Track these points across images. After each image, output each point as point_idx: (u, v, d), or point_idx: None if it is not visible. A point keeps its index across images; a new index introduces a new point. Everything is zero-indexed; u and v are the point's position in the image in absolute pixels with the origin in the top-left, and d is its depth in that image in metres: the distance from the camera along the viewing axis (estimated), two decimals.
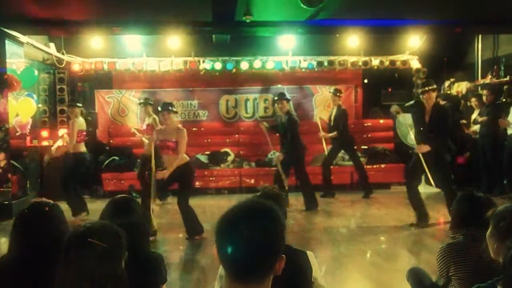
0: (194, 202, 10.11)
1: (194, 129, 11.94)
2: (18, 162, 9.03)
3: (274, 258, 1.59)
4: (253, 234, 1.54)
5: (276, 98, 9.32)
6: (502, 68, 10.58)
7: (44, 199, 2.87)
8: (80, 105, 8.72)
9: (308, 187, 9.06)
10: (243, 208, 1.64)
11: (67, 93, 11.19)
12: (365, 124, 12.33)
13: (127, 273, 2.29)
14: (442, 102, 10.81)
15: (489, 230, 2.70)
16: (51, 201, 2.84)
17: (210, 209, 9.53)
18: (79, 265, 2.15)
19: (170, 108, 7.03)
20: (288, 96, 9.31)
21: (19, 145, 9.20)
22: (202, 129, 12.03)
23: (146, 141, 8.19)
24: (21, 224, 2.74)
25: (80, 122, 8.41)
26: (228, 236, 1.57)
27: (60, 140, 9.06)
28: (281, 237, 1.61)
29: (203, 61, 11.38)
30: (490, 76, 10.89)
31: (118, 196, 3.21)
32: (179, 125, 7.20)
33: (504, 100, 10.30)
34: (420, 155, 7.32)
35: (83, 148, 8.42)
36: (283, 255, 1.61)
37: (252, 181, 10.79)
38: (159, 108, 7.34)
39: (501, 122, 9.61)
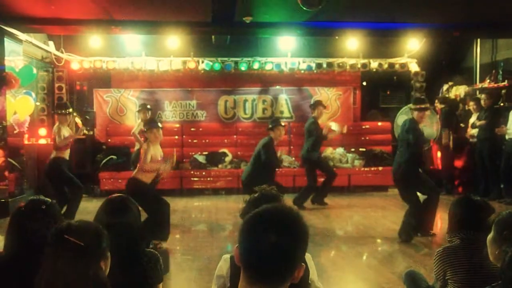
0: (192, 202, 10.18)
1: (192, 129, 11.97)
2: (16, 160, 9.00)
3: (296, 264, 1.59)
4: (281, 239, 1.55)
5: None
6: (500, 72, 10.60)
7: (41, 197, 2.86)
8: (71, 111, 8.44)
9: None
10: (272, 212, 1.64)
11: (65, 91, 11.21)
12: (363, 127, 12.33)
13: (123, 272, 2.29)
14: (440, 106, 10.89)
15: (491, 235, 2.68)
16: (48, 199, 2.83)
17: (207, 209, 9.55)
18: (54, 262, 2.15)
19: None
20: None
21: (17, 143, 9.18)
22: (200, 129, 12.03)
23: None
24: (17, 221, 2.72)
25: (67, 130, 8.11)
26: (256, 238, 1.57)
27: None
28: (305, 245, 1.62)
29: (202, 62, 11.38)
30: (488, 80, 10.91)
31: (114, 195, 3.19)
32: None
33: (502, 104, 10.32)
34: None
35: (65, 155, 8.01)
36: (303, 264, 1.61)
37: None
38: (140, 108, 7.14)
39: (498, 130, 9.63)
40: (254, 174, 8.53)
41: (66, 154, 8.00)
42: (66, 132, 7.95)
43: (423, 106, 7.19)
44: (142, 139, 8.42)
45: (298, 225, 1.61)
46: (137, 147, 9.50)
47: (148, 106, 9.98)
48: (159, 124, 6.90)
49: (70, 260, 2.14)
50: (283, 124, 9.04)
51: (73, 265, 2.13)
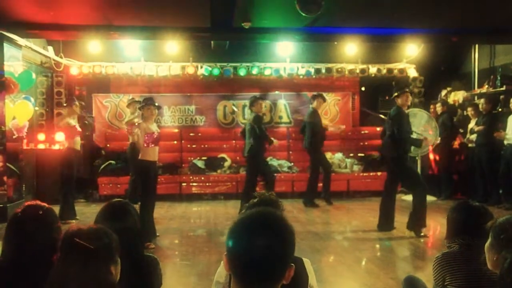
0: (191, 208, 10.17)
1: (191, 134, 11.97)
2: (14, 165, 9.00)
3: (286, 266, 1.62)
4: (269, 242, 1.57)
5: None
6: (499, 77, 10.62)
7: (38, 202, 2.85)
8: (78, 104, 8.98)
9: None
10: (256, 216, 1.66)
11: (64, 96, 11.20)
12: (362, 132, 12.35)
13: (124, 277, 2.28)
14: (442, 108, 10.93)
15: (488, 242, 2.67)
16: (45, 204, 2.82)
17: (206, 214, 9.54)
18: (66, 265, 2.15)
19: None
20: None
21: (16, 148, 9.18)
22: (199, 134, 12.04)
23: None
24: (14, 226, 2.71)
25: (75, 121, 8.79)
26: (244, 244, 1.59)
27: None
28: (293, 245, 1.65)
29: (201, 67, 11.39)
30: (486, 86, 10.93)
31: (115, 199, 3.18)
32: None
33: (500, 109, 10.34)
34: None
35: (76, 146, 8.77)
36: (292, 264, 1.63)
37: None
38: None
39: (497, 134, 9.66)
40: (255, 146, 9.17)
41: (76, 144, 8.76)
42: (73, 123, 8.71)
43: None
44: (131, 129, 9.05)
45: (283, 226, 1.64)
46: (130, 140, 9.48)
47: (136, 99, 9.89)
48: (156, 104, 7.16)
49: (81, 264, 2.13)
50: (260, 97, 9.74)
51: (83, 269, 2.13)
